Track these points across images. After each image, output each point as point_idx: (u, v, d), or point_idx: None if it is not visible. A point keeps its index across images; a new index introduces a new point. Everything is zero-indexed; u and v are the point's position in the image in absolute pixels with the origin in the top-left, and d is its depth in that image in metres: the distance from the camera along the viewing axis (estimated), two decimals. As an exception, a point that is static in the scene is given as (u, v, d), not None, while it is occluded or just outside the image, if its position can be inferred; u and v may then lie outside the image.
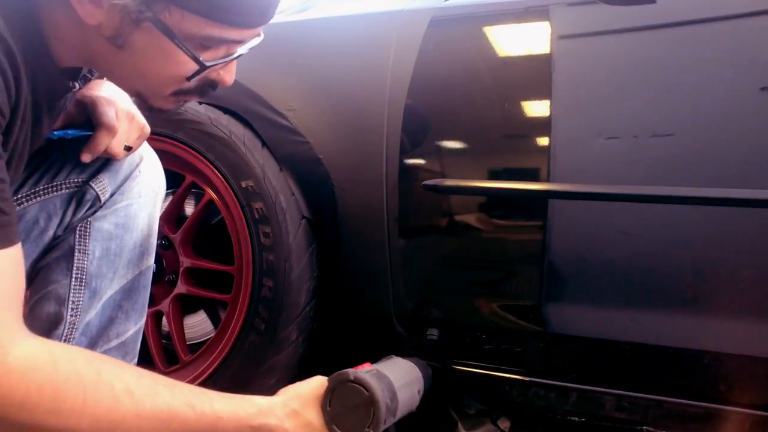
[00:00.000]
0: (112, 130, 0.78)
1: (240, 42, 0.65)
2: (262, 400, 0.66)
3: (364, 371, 0.71)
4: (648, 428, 0.96)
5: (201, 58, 0.61)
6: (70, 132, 0.78)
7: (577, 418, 1.01)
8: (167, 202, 1.23)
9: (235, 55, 0.66)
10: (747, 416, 0.89)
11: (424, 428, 1.15)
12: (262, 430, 0.64)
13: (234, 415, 0.62)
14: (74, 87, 0.71)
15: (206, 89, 0.69)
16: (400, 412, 0.74)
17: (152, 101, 0.68)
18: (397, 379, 0.76)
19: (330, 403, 0.68)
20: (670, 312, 0.93)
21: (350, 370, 0.69)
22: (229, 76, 0.69)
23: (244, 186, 1.11)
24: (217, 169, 1.13)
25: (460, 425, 1.11)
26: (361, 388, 0.68)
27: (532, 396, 1.03)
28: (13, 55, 0.54)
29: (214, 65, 0.63)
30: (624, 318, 0.95)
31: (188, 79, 0.63)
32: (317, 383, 0.70)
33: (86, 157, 0.78)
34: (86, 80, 0.74)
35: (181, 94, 0.67)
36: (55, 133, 0.77)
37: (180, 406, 0.58)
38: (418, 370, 0.89)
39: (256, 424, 0.64)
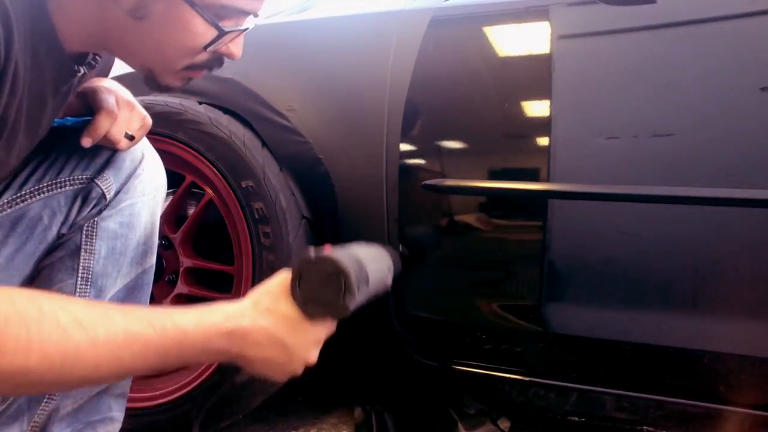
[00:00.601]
0: (111, 114, 0.78)
1: (251, 13, 0.67)
2: (230, 306, 0.61)
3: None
4: (648, 428, 0.96)
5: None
6: (69, 119, 0.78)
7: (577, 418, 1.01)
8: (167, 202, 1.23)
9: (247, 27, 0.68)
10: (747, 416, 0.89)
11: (424, 428, 1.16)
12: (236, 334, 0.59)
13: (200, 326, 0.57)
14: (79, 71, 0.71)
15: (215, 63, 0.71)
16: (373, 285, 0.70)
17: (163, 77, 0.70)
18: (362, 254, 0.70)
19: (299, 289, 0.63)
20: (670, 312, 0.93)
21: (311, 250, 0.65)
22: (237, 49, 0.71)
23: (244, 186, 1.11)
24: (217, 169, 1.13)
25: (460, 425, 1.11)
26: (326, 263, 0.63)
27: (532, 396, 1.03)
28: (8, 17, 0.53)
29: (232, 32, 0.66)
30: (624, 318, 0.95)
31: (204, 48, 0.66)
32: (282, 277, 0.65)
33: (86, 141, 0.77)
34: (91, 67, 0.74)
35: (192, 69, 0.70)
36: (55, 120, 0.77)
37: (137, 327, 0.53)
38: (384, 250, 0.84)
39: (228, 329, 0.58)
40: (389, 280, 0.80)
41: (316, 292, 0.63)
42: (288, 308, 0.63)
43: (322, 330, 0.66)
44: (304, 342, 0.63)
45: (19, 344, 0.45)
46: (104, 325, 0.51)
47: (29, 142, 0.69)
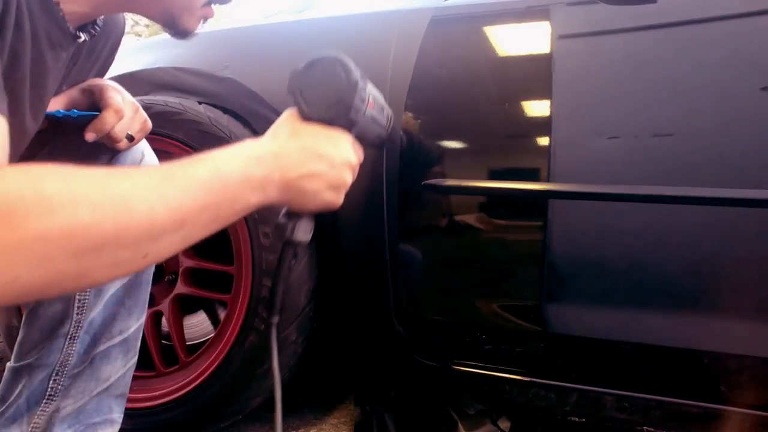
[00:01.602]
0: (119, 112, 0.80)
1: None
2: (248, 143, 0.60)
3: None
4: (648, 428, 0.96)
5: None
6: (74, 112, 0.79)
7: (577, 419, 1.01)
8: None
9: None
10: (747, 416, 0.89)
11: (424, 428, 1.15)
12: (267, 158, 0.58)
13: (230, 157, 0.56)
14: (79, 38, 0.72)
15: None
16: (372, 95, 0.69)
17: (182, 20, 0.72)
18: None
19: (304, 101, 0.64)
20: (670, 312, 0.93)
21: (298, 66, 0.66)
22: None
23: (243, 186, 1.11)
24: (216, 169, 1.13)
25: (460, 426, 1.11)
26: (316, 63, 0.64)
27: (532, 396, 1.03)
28: None
29: None
30: (624, 318, 0.95)
31: None
32: (284, 114, 0.66)
33: (90, 136, 0.78)
34: (91, 36, 0.75)
35: (208, 4, 0.73)
36: (60, 111, 0.78)
37: (170, 167, 0.52)
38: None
39: (257, 155, 0.58)
40: (390, 120, 0.79)
41: (320, 95, 0.64)
42: (304, 126, 0.63)
43: (347, 145, 0.66)
44: (336, 151, 0.63)
45: (64, 198, 0.42)
46: (138, 171, 0.50)
47: (36, 107, 0.69)
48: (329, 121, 0.64)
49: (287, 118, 0.64)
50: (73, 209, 0.42)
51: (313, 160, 0.61)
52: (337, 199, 0.66)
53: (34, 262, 0.41)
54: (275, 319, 0.70)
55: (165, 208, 0.48)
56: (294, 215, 0.67)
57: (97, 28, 0.76)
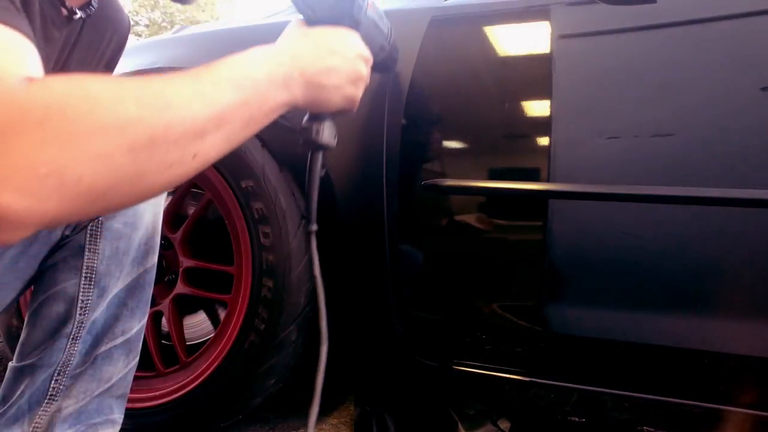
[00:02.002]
0: None
1: None
2: (259, 48, 0.62)
3: None
4: (648, 428, 0.96)
5: None
6: None
7: (577, 419, 1.01)
8: (167, 203, 1.23)
9: None
10: (747, 416, 0.89)
11: (425, 429, 1.16)
12: (285, 54, 0.61)
13: (251, 53, 0.58)
14: (75, 15, 0.72)
15: None
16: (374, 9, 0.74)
17: None
18: None
19: (310, 9, 0.67)
20: (670, 312, 0.93)
21: None
22: None
23: (244, 186, 1.11)
24: (216, 169, 1.13)
25: (460, 426, 1.11)
26: None
27: (532, 396, 1.03)
28: None
29: None
30: (624, 318, 0.95)
31: None
32: (292, 22, 0.68)
33: None
34: (87, 15, 0.74)
35: None
36: None
37: (196, 69, 0.54)
38: None
39: (275, 49, 0.61)
40: (390, 33, 0.83)
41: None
42: (312, 29, 0.66)
43: (357, 40, 0.68)
44: (347, 46, 0.66)
45: (109, 95, 0.44)
46: (171, 75, 0.51)
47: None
48: (335, 22, 0.67)
49: (294, 26, 0.67)
50: (120, 104, 0.44)
51: (327, 56, 0.64)
52: (356, 93, 0.69)
53: (92, 158, 0.42)
54: (314, 227, 0.76)
55: (202, 104, 0.50)
56: (317, 117, 0.70)
57: (92, 8, 0.75)
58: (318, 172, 0.73)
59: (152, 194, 0.49)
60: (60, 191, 0.41)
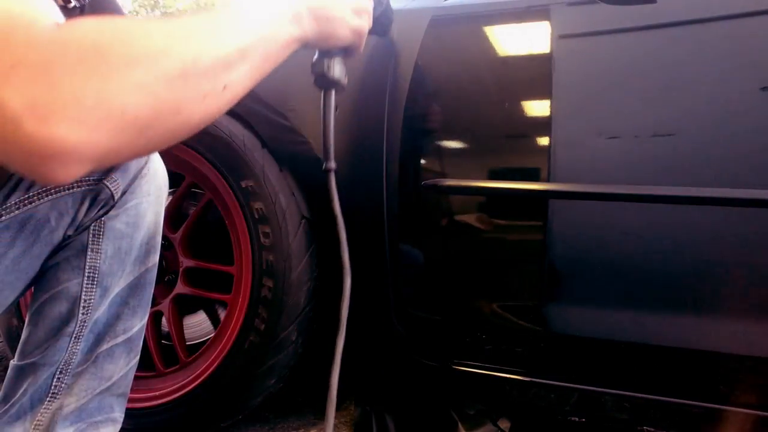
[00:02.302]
0: None
1: None
2: None
3: None
4: (648, 428, 0.96)
5: None
6: None
7: (577, 419, 1.01)
8: (167, 202, 1.23)
9: None
10: (747, 416, 0.89)
11: (425, 429, 1.15)
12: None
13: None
14: (70, 3, 0.72)
15: None
16: None
17: None
18: None
19: None
20: (671, 312, 0.93)
21: None
22: None
23: (244, 186, 1.11)
24: (216, 169, 1.13)
25: (460, 426, 1.11)
26: None
27: (532, 396, 1.03)
28: None
29: None
30: (624, 318, 0.95)
31: None
32: None
33: None
34: (82, 4, 0.74)
35: None
36: None
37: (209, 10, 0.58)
38: None
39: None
40: None
41: None
42: None
43: None
44: None
45: (138, 30, 0.47)
46: (189, 15, 0.55)
47: None
48: None
49: None
50: (148, 38, 0.48)
51: None
52: (361, 25, 0.74)
53: (132, 88, 0.45)
54: (332, 165, 0.81)
55: (225, 36, 0.54)
56: (327, 53, 0.75)
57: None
58: (332, 111, 0.78)
59: (192, 127, 0.52)
60: (108, 121, 0.44)
